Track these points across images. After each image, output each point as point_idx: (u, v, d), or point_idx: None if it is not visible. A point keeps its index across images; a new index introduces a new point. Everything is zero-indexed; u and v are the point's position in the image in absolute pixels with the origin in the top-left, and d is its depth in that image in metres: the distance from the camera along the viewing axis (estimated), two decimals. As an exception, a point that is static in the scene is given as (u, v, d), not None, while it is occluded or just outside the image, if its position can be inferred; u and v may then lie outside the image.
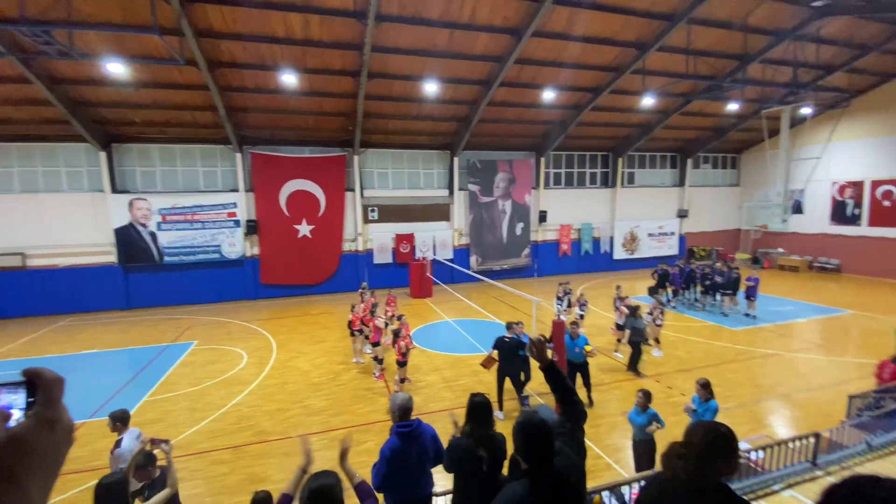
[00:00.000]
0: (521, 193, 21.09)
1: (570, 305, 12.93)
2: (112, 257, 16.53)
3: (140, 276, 17.00)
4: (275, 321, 15.06)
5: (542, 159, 21.34)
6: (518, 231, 21.30)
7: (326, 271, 19.06)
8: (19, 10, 9.73)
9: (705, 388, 5.78)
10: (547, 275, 21.86)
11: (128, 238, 16.48)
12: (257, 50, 13.05)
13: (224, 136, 16.50)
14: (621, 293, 12.47)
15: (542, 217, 21.67)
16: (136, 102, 14.74)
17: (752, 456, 5.19)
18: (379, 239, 19.56)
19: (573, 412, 2.48)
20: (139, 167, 16.89)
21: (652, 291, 15.98)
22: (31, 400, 0.68)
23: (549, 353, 2.86)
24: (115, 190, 16.37)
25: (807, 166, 20.11)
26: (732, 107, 19.58)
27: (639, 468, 5.85)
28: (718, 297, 15.17)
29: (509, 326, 8.16)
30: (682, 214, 24.61)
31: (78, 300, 16.27)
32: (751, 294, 14.32)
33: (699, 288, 15.70)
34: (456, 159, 19.90)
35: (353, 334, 10.93)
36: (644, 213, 23.82)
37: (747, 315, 14.36)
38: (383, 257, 19.69)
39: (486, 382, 9.44)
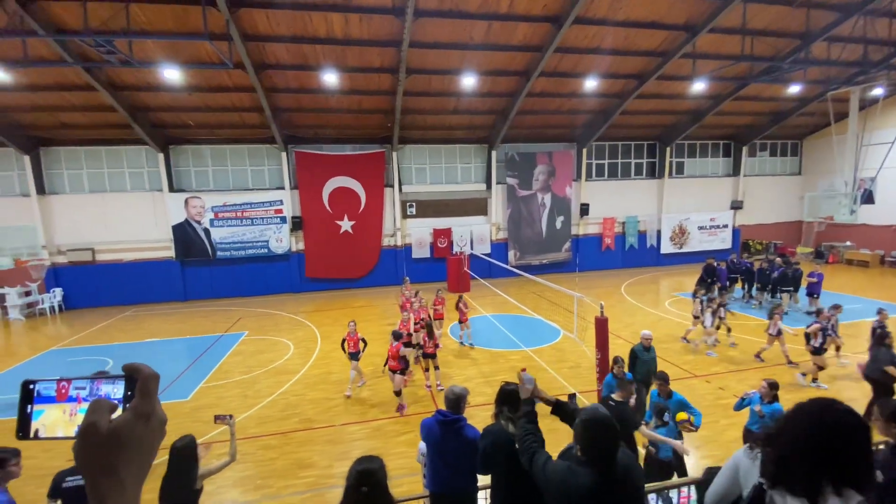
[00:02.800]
0: (561, 186, 20.61)
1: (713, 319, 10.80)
2: (170, 252, 17.67)
3: (195, 270, 18.08)
4: (319, 313, 15.58)
5: (584, 150, 20.73)
6: (558, 225, 20.85)
7: (367, 266, 19.49)
8: (83, 22, 10.50)
9: (773, 388, 5.41)
10: (588, 270, 21.29)
11: (184, 234, 17.55)
12: (300, 51, 13.44)
13: (270, 135, 17.16)
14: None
15: (584, 210, 21.09)
16: (190, 106, 15.59)
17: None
18: (417, 234, 19.75)
19: None
20: (193, 167, 17.91)
21: (698, 288, 15.21)
22: (128, 393, 0.72)
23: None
24: (172, 189, 17.45)
25: (879, 152, 18.35)
26: (793, 89, 18.18)
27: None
28: (778, 294, 14.21)
29: (620, 385, 5.49)
30: (737, 206, 23.19)
31: (141, 292, 17.55)
32: (813, 291, 13.32)
33: (756, 284, 14.79)
34: (494, 153, 19.71)
35: (351, 357, 8.79)
36: (694, 205, 22.65)
37: (809, 314, 13.38)
38: (421, 252, 19.87)
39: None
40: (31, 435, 0.73)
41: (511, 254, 20.49)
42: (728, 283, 15.17)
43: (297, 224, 18.42)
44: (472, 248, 19.80)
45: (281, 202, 18.28)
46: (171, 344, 12.70)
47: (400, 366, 8.13)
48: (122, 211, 17.28)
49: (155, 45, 12.37)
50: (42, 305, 16.39)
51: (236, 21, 11.53)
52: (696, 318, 11.28)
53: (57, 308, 16.66)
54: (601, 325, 7.61)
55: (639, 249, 22.32)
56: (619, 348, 10.69)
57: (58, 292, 16.78)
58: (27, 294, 16.36)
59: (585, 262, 21.33)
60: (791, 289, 13.80)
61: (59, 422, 0.74)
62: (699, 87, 16.63)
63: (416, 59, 14.03)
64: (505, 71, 15.35)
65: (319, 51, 13.49)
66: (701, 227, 22.79)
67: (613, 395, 5.40)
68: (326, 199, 18.61)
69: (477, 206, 20.34)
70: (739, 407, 5.69)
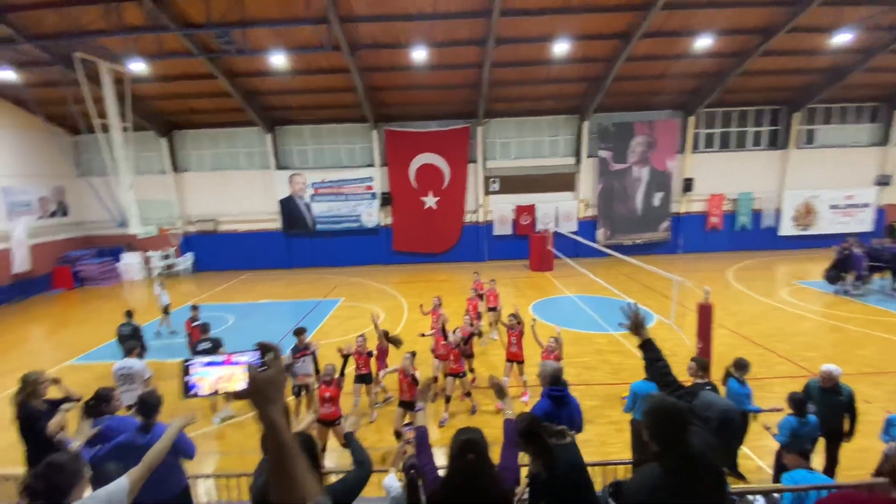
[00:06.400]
0: (661, 158, 18.90)
1: None
2: (277, 224, 19.59)
3: (298, 241, 19.89)
4: (405, 285, 16.32)
5: (692, 118, 18.69)
6: (656, 201, 19.25)
7: (449, 241, 19.86)
8: (206, 16, 11.71)
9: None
10: (689, 251, 19.54)
11: (289, 208, 19.32)
12: (392, 29, 13.69)
13: (362, 115, 17.93)
14: None
15: (688, 185, 19.19)
16: (293, 89, 16.78)
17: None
18: (499, 210, 19.57)
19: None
20: (295, 147, 19.44)
21: (831, 277, 13.22)
22: (262, 360, 1.14)
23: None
24: (278, 167, 19.18)
25: None
26: (981, 33, 14.50)
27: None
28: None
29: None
30: (884, 181, 19.45)
31: (254, 259, 19.84)
32: None
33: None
34: (585, 123, 18.59)
35: (361, 380, 7.26)
36: (826, 180, 19.43)
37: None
38: (503, 229, 19.70)
39: (612, 362, 8.99)
40: (194, 394, 1.25)
41: (600, 232, 19.47)
42: (866, 271, 12.96)
43: (385, 200, 19.26)
44: (556, 226, 19.17)
45: (371, 179, 19.19)
46: (279, 305, 14.24)
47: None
48: (237, 187, 19.46)
49: (264, 33, 13.41)
50: (178, 268, 19.27)
51: (335, 3, 12.03)
52: None
53: (189, 270, 19.47)
54: (704, 312, 7.01)
55: (752, 230, 19.88)
56: (722, 338, 9.79)
57: (189, 256, 19.59)
58: (166, 257, 19.34)
59: (687, 242, 19.61)
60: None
61: (220, 380, 1.22)
62: (843, 39, 13.97)
63: (506, 27, 13.56)
64: (602, 34, 14.23)
65: (410, 28, 13.63)
66: (833, 206, 19.57)
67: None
68: (413, 175, 19.13)
69: (564, 182, 19.50)
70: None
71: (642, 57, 15.32)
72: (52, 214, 18.44)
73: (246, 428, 7.24)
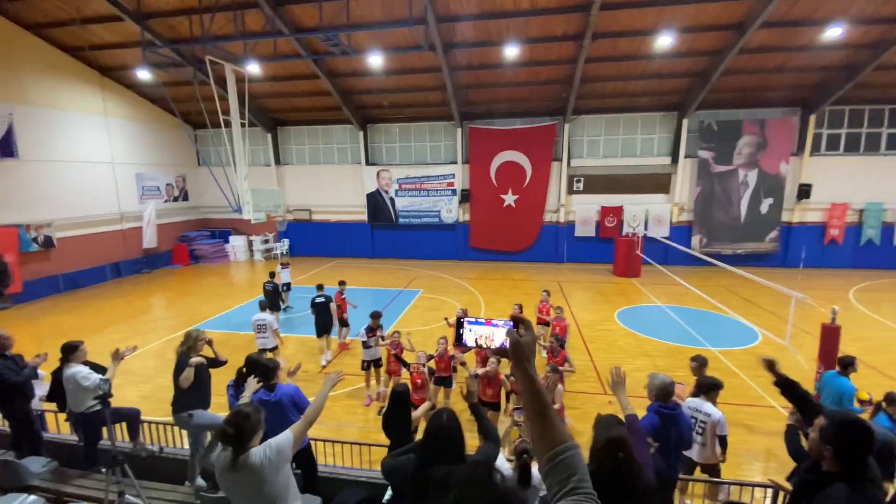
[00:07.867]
0: (773, 161, 17.09)
1: None
2: (363, 216, 20.67)
3: (381, 233, 20.85)
4: (481, 282, 16.41)
5: (813, 117, 16.66)
6: (764, 208, 17.45)
7: (527, 240, 19.62)
8: (318, 20, 12.60)
9: None
10: (802, 266, 17.49)
11: (375, 202, 20.29)
12: (485, 27, 13.76)
13: (448, 113, 18.26)
14: None
15: (804, 192, 17.15)
16: (386, 88, 17.52)
17: None
18: (582, 211, 18.91)
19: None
20: (384, 143, 20.31)
21: None
22: (515, 327, 1.34)
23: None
24: (367, 163, 20.19)
25: None
26: None
27: None
28: None
29: None
30: None
31: (342, 247, 21.16)
32: None
33: None
34: (685, 121, 17.32)
35: (441, 383, 7.20)
36: (985, 191, 16.39)
37: None
38: (586, 230, 19.01)
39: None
40: (463, 344, 1.53)
41: (695, 239, 18.07)
42: None
43: (465, 196, 19.48)
44: (645, 230, 18.12)
45: (453, 175, 19.50)
46: (365, 292, 15.03)
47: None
48: (330, 180, 20.84)
49: (365, 35, 14.14)
50: (275, 251, 21.08)
51: (433, 4, 12.37)
52: None
53: (285, 254, 21.20)
54: (830, 335, 6.26)
55: (881, 246, 17.32)
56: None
57: (285, 242, 21.34)
58: (266, 241, 21.22)
59: (798, 256, 17.56)
60: None
61: (481, 336, 1.51)
62: None
63: (605, 21, 13.03)
64: (713, 25, 13.17)
65: (504, 25, 13.60)
66: None
67: None
68: (493, 173, 19.15)
69: (657, 183, 18.35)
70: None
71: (757, 49, 13.94)
72: (175, 199, 21.05)
73: (342, 402, 7.79)
